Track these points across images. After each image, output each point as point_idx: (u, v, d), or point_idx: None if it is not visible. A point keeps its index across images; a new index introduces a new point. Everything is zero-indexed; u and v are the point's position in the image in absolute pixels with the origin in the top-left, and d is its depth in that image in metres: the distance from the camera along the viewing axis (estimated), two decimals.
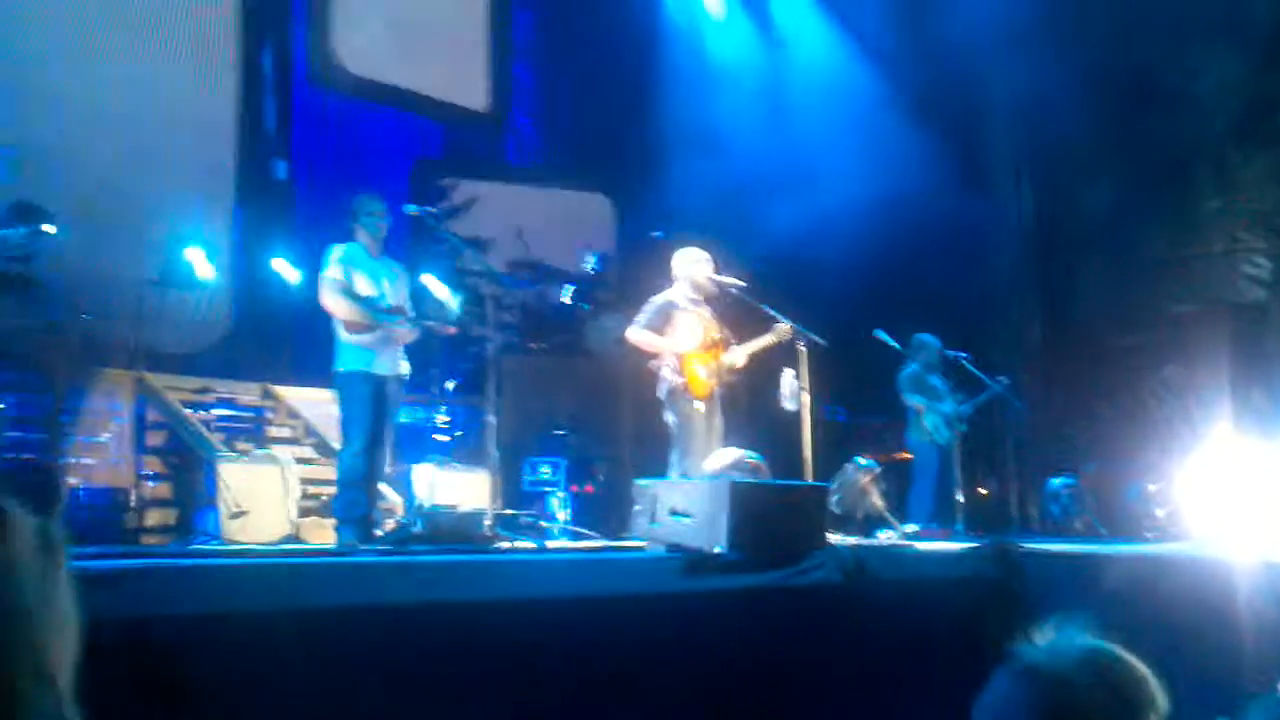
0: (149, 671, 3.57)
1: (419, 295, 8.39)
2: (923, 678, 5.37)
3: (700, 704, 5.14)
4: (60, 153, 9.76)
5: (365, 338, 7.38)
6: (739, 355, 8.24)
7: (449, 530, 6.90)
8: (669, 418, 8.12)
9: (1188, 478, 9.65)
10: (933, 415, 10.23)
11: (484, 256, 11.97)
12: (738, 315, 8.48)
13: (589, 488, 10.53)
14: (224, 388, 9.91)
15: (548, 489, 10.08)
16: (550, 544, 7.88)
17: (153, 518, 8.59)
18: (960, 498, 9.83)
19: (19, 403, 8.22)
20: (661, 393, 8.15)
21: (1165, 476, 10.07)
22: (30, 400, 8.43)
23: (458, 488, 8.71)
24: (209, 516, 8.21)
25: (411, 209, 8.05)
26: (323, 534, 8.25)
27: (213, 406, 9.59)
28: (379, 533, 7.26)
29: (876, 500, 9.22)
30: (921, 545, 7.88)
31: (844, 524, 8.73)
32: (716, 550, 5.73)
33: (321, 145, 12.47)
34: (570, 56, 14.31)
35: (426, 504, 7.81)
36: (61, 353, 8.65)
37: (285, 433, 9.92)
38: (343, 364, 7.42)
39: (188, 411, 9.23)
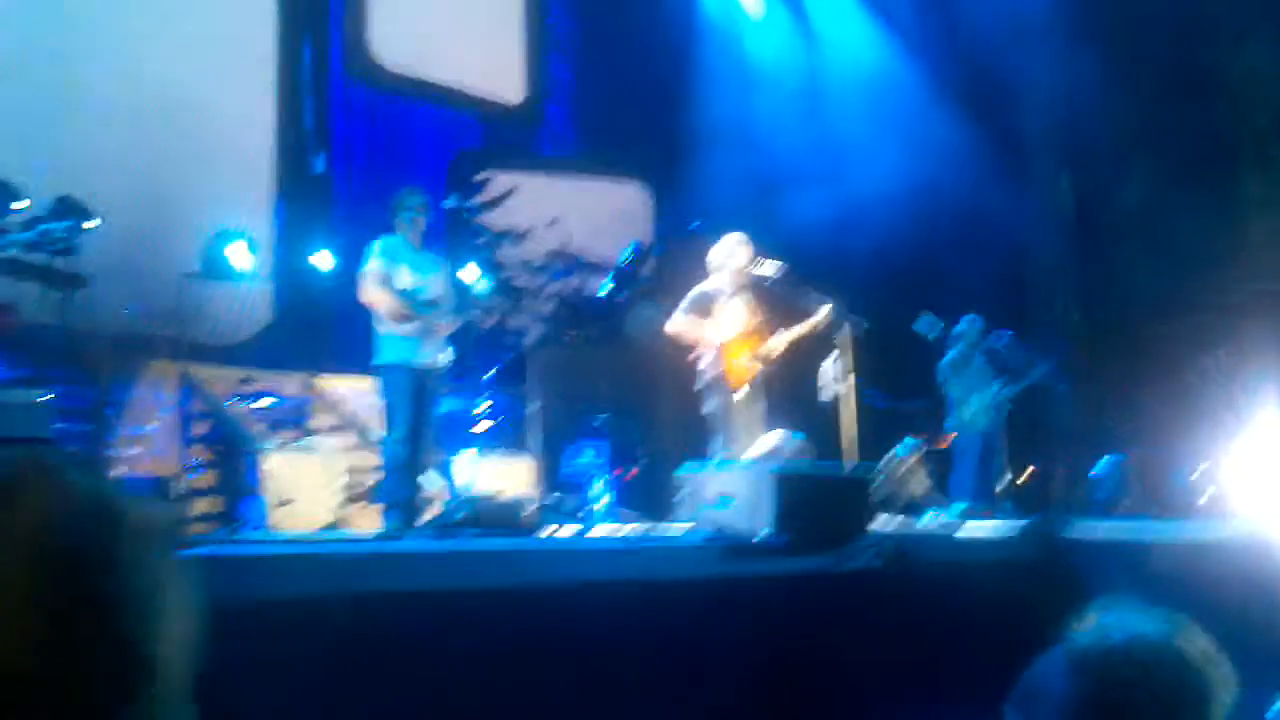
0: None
1: (458, 287, 8.41)
2: (967, 662, 5.35)
3: (744, 688, 5.15)
4: (102, 148, 9.84)
5: (406, 329, 7.41)
6: (780, 342, 8.22)
7: (492, 517, 6.95)
8: (711, 407, 8.10)
9: (1233, 460, 9.58)
10: (976, 399, 10.18)
11: (521, 248, 12.01)
12: (778, 301, 8.46)
13: (630, 474, 10.54)
14: (266, 378, 9.96)
15: (589, 475, 10.08)
16: (592, 530, 7.90)
17: (197, 507, 8.66)
18: (1004, 481, 9.78)
19: (65, 395, 8.29)
20: (703, 382, 8.15)
21: (1211, 459, 10.00)
22: (76, 392, 8.50)
23: (498, 475, 8.75)
24: (253, 505, 8.27)
25: (451, 202, 8.09)
26: (365, 522, 8.29)
27: (255, 397, 9.63)
28: (423, 519, 7.30)
29: (920, 484, 9.19)
30: (966, 528, 7.85)
31: (888, 508, 8.70)
32: (761, 536, 5.73)
33: (359, 139, 12.51)
34: (606, 47, 14.28)
35: (469, 491, 7.84)
36: (106, 346, 8.73)
37: (327, 422, 9.96)
38: (383, 357, 7.45)
39: (231, 402, 9.29)
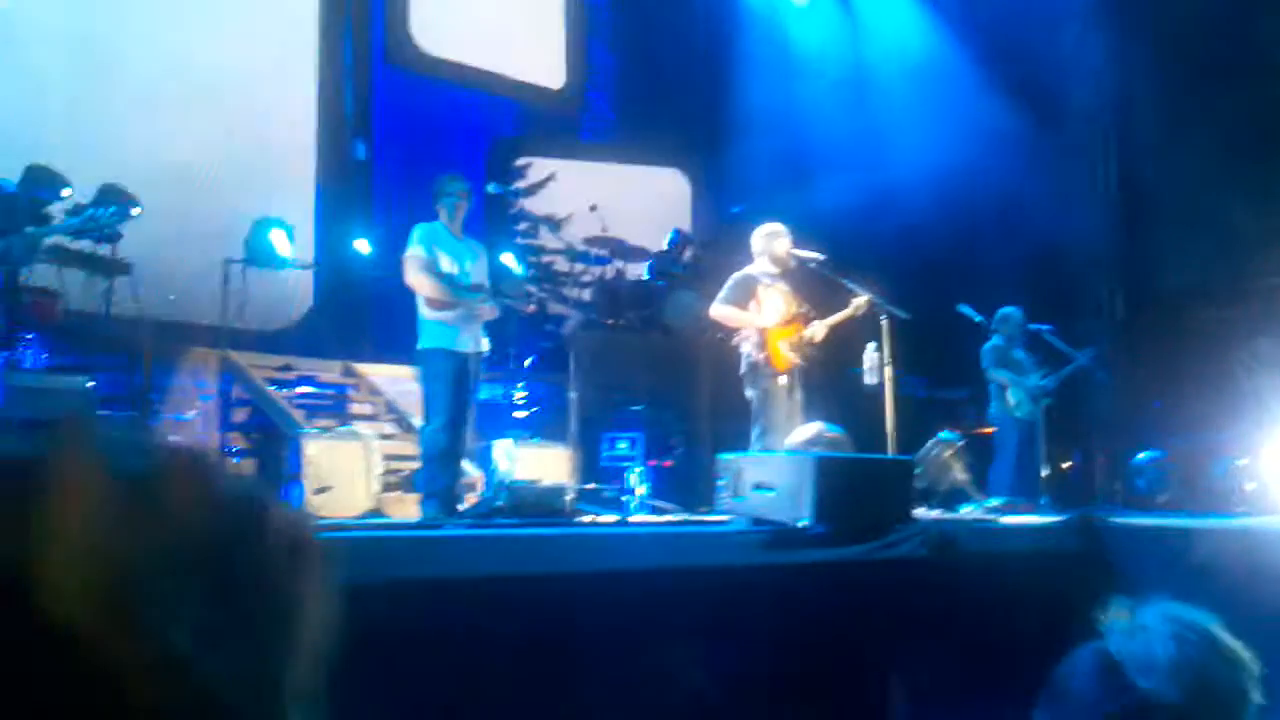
0: None
1: (498, 273, 8.43)
2: (1008, 652, 5.32)
3: (785, 677, 5.14)
4: (145, 135, 9.93)
5: (448, 315, 7.43)
6: (820, 329, 8.22)
7: (532, 504, 6.95)
8: (751, 393, 8.11)
9: (1277, 452, 9.48)
10: (1016, 389, 10.10)
11: (560, 233, 12.02)
12: (817, 289, 8.44)
13: (667, 462, 10.53)
14: (306, 365, 10.03)
15: (626, 463, 10.07)
16: (631, 518, 7.90)
17: None
18: (1044, 472, 9.72)
19: (109, 382, 8.36)
20: (743, 368, 8.16)
21: (1254, 451, 9.90)
22: (119, 379, 8.57)
23: (536, 463, 8.75)
24: (292, 491, 8.31)
25: (493, 188, 8.11)
26: (403, 509, 8.32)
27: (295, 384, 9.70)
28: (461, 507, 7.32)
29: (960, 474, 9.13)
30: (1006, 519, 7.81)
31: (927, 498, 8.66)
32: (801, 524, 5.72)
33: (400, 125, 12.56)
34: (647, 33, 14.27)
35: (508, 478, 7.85)
36: (149, 332, 8.79)
37: (366, 409, 10.02)
38: (425, 341, 7.47)
39: (271, 389, 9.35)
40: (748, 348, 8.13)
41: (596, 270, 11.61)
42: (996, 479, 9.97)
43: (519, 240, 12.51)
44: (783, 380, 8.05)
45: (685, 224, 13.18)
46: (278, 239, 9.42)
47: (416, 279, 7.44)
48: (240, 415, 9.25)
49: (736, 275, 8.29)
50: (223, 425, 8.90)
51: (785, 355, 8.05)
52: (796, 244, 8.35)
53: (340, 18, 12.09)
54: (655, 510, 8.57)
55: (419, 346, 7.52)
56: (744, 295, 8.18)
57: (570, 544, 5.36)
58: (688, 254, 11.79)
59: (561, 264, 12.69)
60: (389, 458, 8.80)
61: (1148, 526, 7.10)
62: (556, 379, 10.08)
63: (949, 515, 7.98)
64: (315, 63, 11.86)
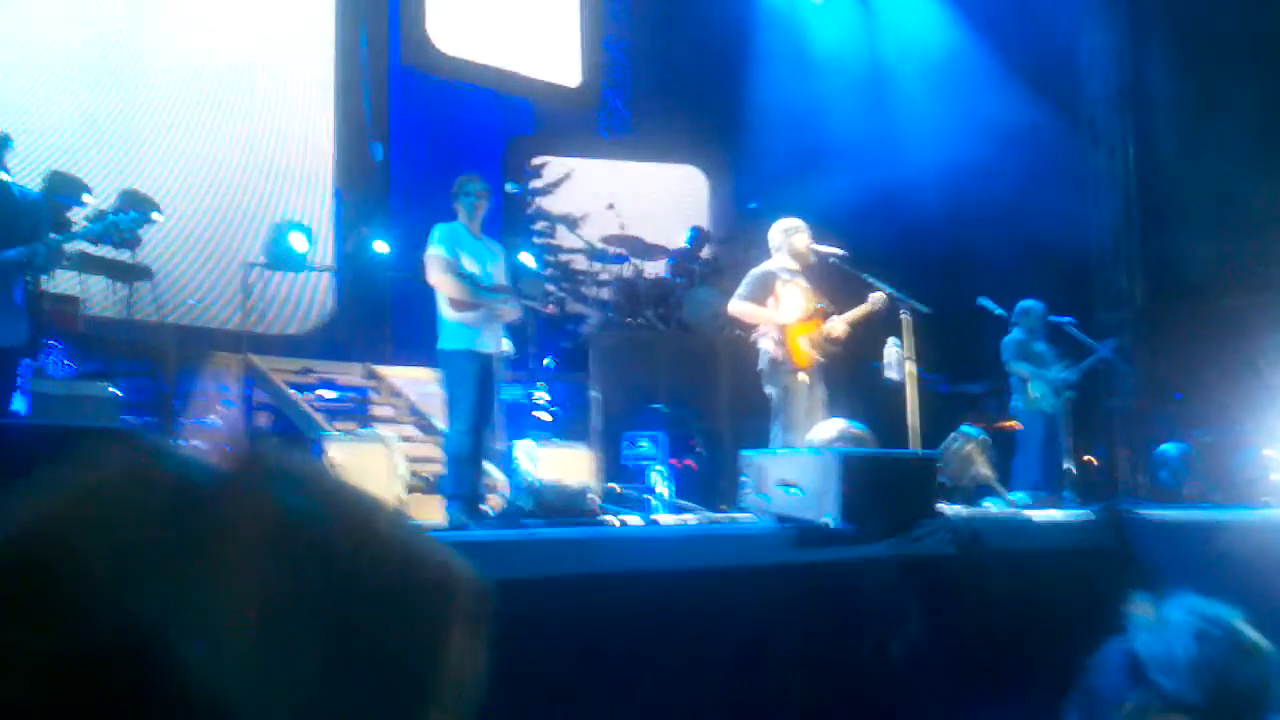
0: None
1: (517, 273, 8.42)
2: (1036, 647, 5.31)
3: (814, 675, 5.13)
4: (164, 141, 9.95)
5: (470, 315, 7.40)
6: (839, 325, 8.18)
7: (557, 505, 6.95)
8: (771, 390, 8.07)
9: None
10: (1039, 382, 10.06)
11: (578, 232, 12.02)
12: (837, 285, 8.42)
13: (689, 462, 10.51)
14: (327, 368, 10.05)
15: (647, 462, 10.07)
16: (655, 518, 7.89)
17: None
18: (1068, 465, 9.69)
19: (132, 387, 8.40)
20: (763, 364, 8.12)
21: (1278, 441, 9.86)
22: (144, 385, 8.61)
23: (558, 464, 8.74)
24: None
25: (511, 187, 8.08)
26: (427, 512, 8.32)
27: (317, 387, 9.71)
28: (485, 509, 7.31)
29: (983, 469, 9.09)
30: (1030, 514, 7.78)
31: (950, 493, 8.63)
32: (827, 521, 5.71)
33: (417, 126, 12.58)
34: (663, 31, 14.27)
35: (534, 480, 7.85)
36: (171, 338, 8.82)
37: (388, 412, 10.02)
38: (447, 342, 7.44)
39: (293, 392, 9.37)
40: (767, 344, 8.09)
41: (615, 269, 11.60)
42: (1020, 473, 9.94)
43: (536, 240, 12.50)
44: (803, 377, 8.01)
45: (703, 220, 13.17)
46: (300, 241, 9.44)
47: (439, 279, 7.41)
48: (262, 419, 9.28)
49: (755, 271, 8.26)
50: (245, 430, 8.93)
51: (805, 351, 8.01)
52: (815, 239, 8.32)
53: (357, 20, 12.11)
54: (680, 510, 8.56)
55: (440, 347, 7.48)
56: (763, 291, 8.14)
57: (599, 545, 5.37)
58: (706, 251, 11.78)
59: (580, 263, 12.66)
60: (411, 460, 8.80)
61: (1173, 520, 7.07)
62: (577, 379, 10.09)
63: (974, 510, 7.95)
64: (332, 65, 11.88)
